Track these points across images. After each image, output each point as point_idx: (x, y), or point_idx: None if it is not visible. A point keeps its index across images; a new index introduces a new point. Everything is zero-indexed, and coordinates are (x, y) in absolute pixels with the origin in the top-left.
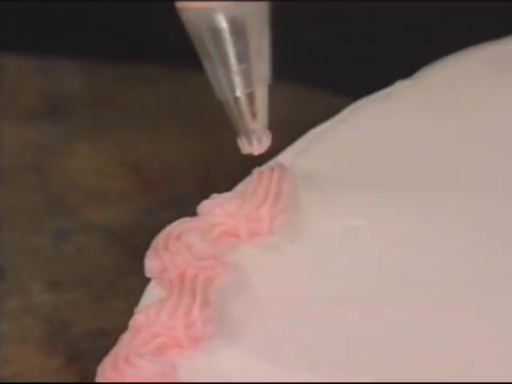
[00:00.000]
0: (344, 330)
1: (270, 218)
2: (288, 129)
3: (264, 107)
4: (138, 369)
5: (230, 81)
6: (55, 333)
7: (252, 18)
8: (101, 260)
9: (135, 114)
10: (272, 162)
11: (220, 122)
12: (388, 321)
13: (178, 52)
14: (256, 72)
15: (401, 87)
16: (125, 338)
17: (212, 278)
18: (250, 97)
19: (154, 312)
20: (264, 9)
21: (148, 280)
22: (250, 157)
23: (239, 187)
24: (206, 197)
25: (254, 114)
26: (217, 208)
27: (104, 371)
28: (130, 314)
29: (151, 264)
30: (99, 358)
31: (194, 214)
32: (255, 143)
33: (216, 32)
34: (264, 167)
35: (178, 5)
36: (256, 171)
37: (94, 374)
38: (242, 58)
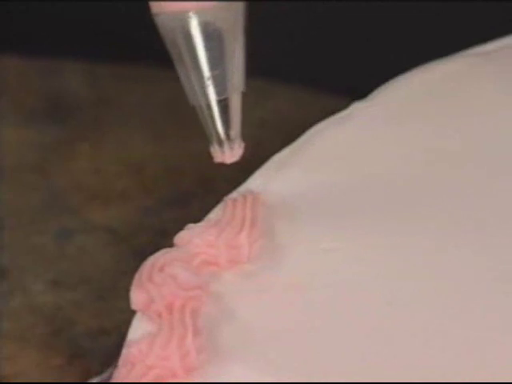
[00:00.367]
0: (332, 350)
1: (248, 244)
2: (287, 130)
3: (237, 115)
4: None
5: (203, 87)
6: (57, 332)
7: (226, 23)
8: (102, 259)
9: (136, 115)
10: (242, 188)
11: None
12: (372, 340)
13: None
14: (230, 79)
15: (358, 109)
16: (120, 373)
17: (199, 308)
18: (224, 104)
19: (146, 345)
20: (239, 14)
21: None
22: (251, 156)
23: (212, 215)
24: (207, 197)
25: (226, 122)
26: (195, 238)
27: None
28: (131, 313)
29: (137, 297)
30: (101, 357)
31: (194, 214)
32: (227, 151)
33: (189, 36)
34: (235, 194)
35: (153, 8)
36: (228, 199)
37: (95, 372)
38: (216, 63)
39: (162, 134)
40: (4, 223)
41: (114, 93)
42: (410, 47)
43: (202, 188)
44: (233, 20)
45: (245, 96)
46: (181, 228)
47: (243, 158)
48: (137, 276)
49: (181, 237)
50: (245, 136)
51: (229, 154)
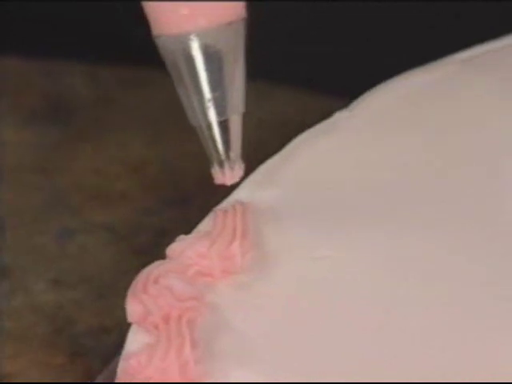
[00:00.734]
0: (328, 356)
1: (241, 254)
2: (286, 131)
3: (237, 136)
4: None
5: (203, 108)
6: (59, 330)
7: (227, 45)
8: (103, 259)
9: (137, 116)
10: (230, 199)
11: None
12: (367, 346)
13: None
14: (230, 100)
15: (341, 118)
16: None
17: (195, 319)
18: (224, 125)
19: (145, 356)
20: (239, 36)
21: None
22: (251, 158)
23: (202, 226)
24: (206, 197)
25: (227, 143)
26: (187, 250)
27: None
28: None
29: (133, 309)
30: (102, 355)
31: (194, 213)
32: (228, 172)
33: (190, 59)
34: (224, 204)
35: (154, 30)
36: (218, 210)
37: (97, 370)
38: (216, 85)
39: (162, 134)
40: (6, 223)
41: (115, 94)
42: (407, 49)
43: (202, 188)
44: (233, 42)
45: (246, 98)
46: (180, 228)
47: (243, 157)
48: (131, 288)
49: (173, 249)
50: (245, 136)
51: (229, 174)
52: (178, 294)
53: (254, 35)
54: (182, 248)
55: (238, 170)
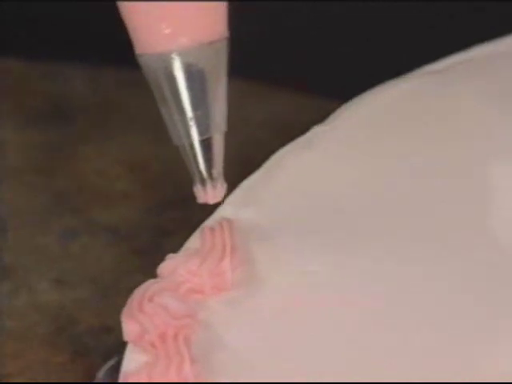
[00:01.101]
0: (321, 368)
1: (231, 271)
2: (285, 131)
3: (219, 154)
4: None
5: (186, 127)
6: (61, 329)
7: (209, 64)
8: (105, 259)
9: (138, 117)
10: (215, 215)
11: None
12: (360, 359)
13: None
14: (212, 118)
15: (320, 132)
16: None
17: (190, 336)
18: (206, 143)
19: (145, 375)
20: (222, 55)
21: (152, 278)
22: (251, 158)
23: (190, 244)
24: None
25: (209, 161)
26: (179, 268)
27: None
28: None
29: (129, 328)
30: (103, 354)
31: (194, 214)
32: (210, 191)
33: (172, 77)
34: (210, 222)
35: (136, 49)
36: (206, 227)
37: (98, 369)
38: (198, 104)
39: (163, 136)
40: (9, 224)
41: (116, 95)
42: (406, 50)
43: None
44: (215, 61)
45: (245, 98)
46: (181, 228)
47: (243, 158)
48: (127, 308)
49: (164, 267)
50: (245, 137)
51: (211, 193)
52: (173, 312)
53: (254, 36)
54: (174, 266)
55: (221, 188)
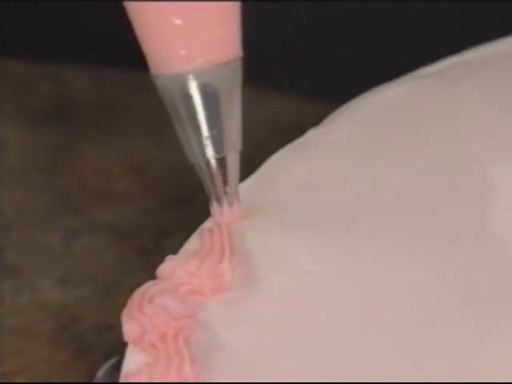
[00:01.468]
0: (321, 368)
1: (230, 272)
2: (285, 132)
3: (235, 172)
4: None
5: (201, 145)
6: (63, 328)
7: (224, 83)
8: (107, 258)
9: (140, 118)
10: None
11: None
12: (360, 359)
13: None
14: (227, 137)
15: (316, 135)
16: None
17: (189, 337)
18: (222, 162)
19: (145, 375)
20: (236, 75)
21: (152, 277)
22: (251, 158)
23: (189, 245)
24: (208, 197)
25: (225, 179)
26: (178, 270)
27: None
28: None
29: (130, 329)
30: (105, 352)
31: (195, 214)
32: (226, 209)
33: (188, 98)
34: (209, 224)
35: (152, 70)
36: (204, 229)
37: (100, 367)
38: (214, 123)
39: (164, 136)
40: (12, 223)
41: (118, 96)
42: (405, 52)
43: (203, 189)
44: (230, 81)
45: (245, 99)
46: (182, 228)
47: (243, 158)
48: (127, 309)
49: (163, 269)
50: (245, 137)
51: (228, 211)
52: (172, 312)
53: (254, 38)
54: (173, 268)
55: (237, 205)
